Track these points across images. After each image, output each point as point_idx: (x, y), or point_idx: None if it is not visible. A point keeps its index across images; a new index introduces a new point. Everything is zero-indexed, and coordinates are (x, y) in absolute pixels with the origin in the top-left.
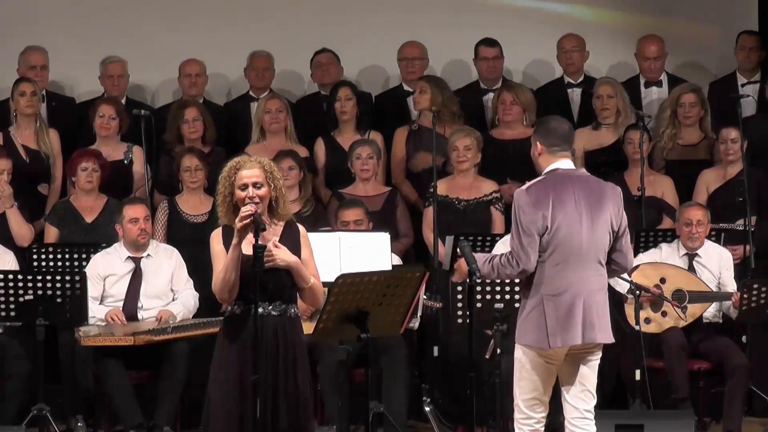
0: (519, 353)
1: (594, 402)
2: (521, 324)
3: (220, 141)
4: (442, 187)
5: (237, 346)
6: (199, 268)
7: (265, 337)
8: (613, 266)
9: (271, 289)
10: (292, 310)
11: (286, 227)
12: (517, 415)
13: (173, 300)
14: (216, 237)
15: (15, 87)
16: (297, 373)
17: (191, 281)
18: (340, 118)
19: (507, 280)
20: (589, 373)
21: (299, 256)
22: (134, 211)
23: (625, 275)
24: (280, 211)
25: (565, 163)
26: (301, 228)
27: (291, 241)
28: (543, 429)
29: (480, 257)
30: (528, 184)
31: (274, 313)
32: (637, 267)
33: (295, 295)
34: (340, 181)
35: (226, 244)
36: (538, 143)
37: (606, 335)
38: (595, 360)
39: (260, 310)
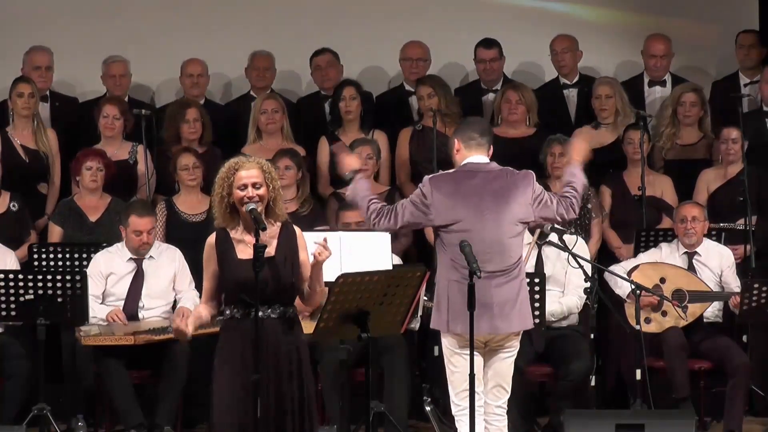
0: (443, 347)
1: (506, 396)
2: (433, 310)
3: (221, 140)
4: None
5: (238, 352)
6: (198, 268)
7: (266, 341)
8: (564, 217)
9: (270, 292)
10: (291, 312)
11: (282, 228)
12: (454, 410)
13: (175, 300)
14: (209, 248)
15: (13, 87)
16: (302, 375)
17: (193, 282)
18: (345, 117)
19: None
20: (503, 369)
21: (297, 257)
22: (139, 224)
23: (625, 275)
24: (277, 211)
25: (477, 158)
26: (297, 230)
27: (288, 242)
28: (479, 417)
29: (364, 189)
30: (436, 174)
31: (273, 316)
32: (637, 267)
33: (294, 297)
34: (345, 181)
35: (220, 249)
36: (456, 140)
37: (512, 325)
38: (510, 355)
39: (260, 313)
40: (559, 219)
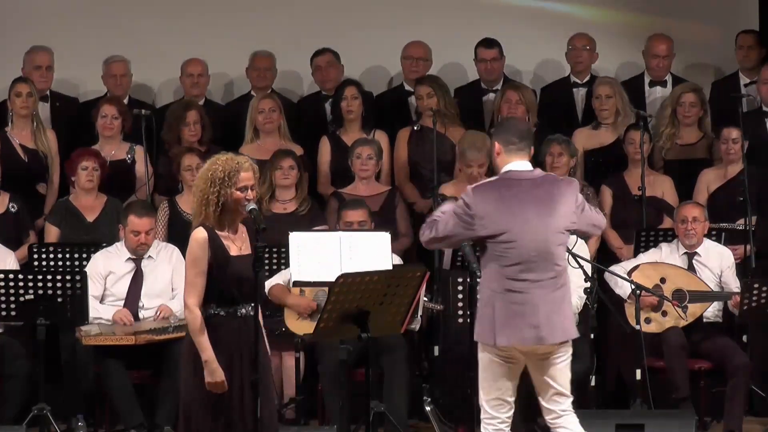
0: (480, 353)
1: (569, 400)
2: (476, 321)
3: (222, 140)
4: (450, 190)
5: (229, 351)
6: None
7: (248, 337)
8: (591, 231)
9: (248, 290)
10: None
11: (248, 228)
12: (482, 415)
13: (173, 299)
14: (202, 243)
15: (12, 87)
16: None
17: None
18: (346, 117)
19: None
20: (558, 375)
21: None
22: (137, 224)
23: (625, 275)
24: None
25: (520, 164)
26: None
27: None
28: (508, 428)
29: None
30: (479, 183)
31: (251, 313)
32: (637, 267)
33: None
34: (346, 180)
35: (213, 245)
36: (496, 143)
37: (559, 335)
38: (562, 360)
39: (243, 311)
40: (591, 230)
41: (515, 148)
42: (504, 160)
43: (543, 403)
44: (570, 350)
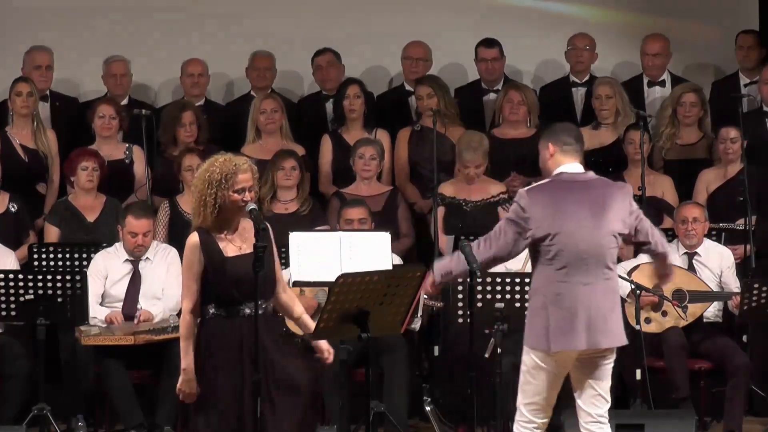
0: (525, 356)
1: (607, 406)
2: (527, 326)
3: (222, 141)
4: (449, 189)
5: (230, 351)
6: None
7: (249, 338)
8: (653, 249)
9: (249, 289)
10: (270, 306)
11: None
12: (518, 417)
13: (161, 298)
14: (194, 248)
15: (12, 87)
16: (288, 365)
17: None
18: (348, 116)
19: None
20: (601, 377)
21: (271, 250)
22: (135, 226)
23: (625, 275)
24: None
25: (573, 167)
26: (269, 226)
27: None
28: None
29: (442, 263)
30: (532, 185)
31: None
32: (637, 267)
33: (273, 291)
34: (347, 179)
35: (206, 249)
36: (550, 144)
37: (612, 339)
38: (607, 364)
39: (247, 311)
40: (650, 241)
41: (570, 149)
42: (557, 162)
43: (580, 404)
44: (614, 355)
